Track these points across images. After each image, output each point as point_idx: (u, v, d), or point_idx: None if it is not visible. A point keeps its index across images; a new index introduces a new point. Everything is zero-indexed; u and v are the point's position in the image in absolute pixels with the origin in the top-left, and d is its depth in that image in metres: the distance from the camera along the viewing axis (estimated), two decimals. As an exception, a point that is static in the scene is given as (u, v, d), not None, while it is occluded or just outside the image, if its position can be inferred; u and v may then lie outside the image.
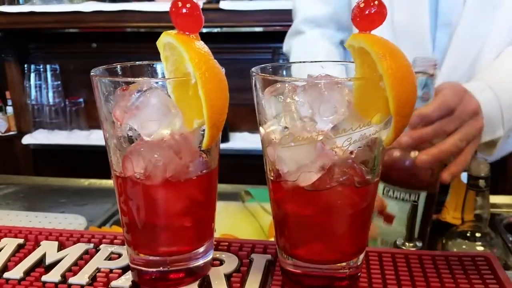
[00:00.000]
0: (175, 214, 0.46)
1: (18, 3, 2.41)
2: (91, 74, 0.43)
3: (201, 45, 0.42)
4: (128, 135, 0.44)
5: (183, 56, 0.41)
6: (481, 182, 0.81)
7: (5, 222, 1.04)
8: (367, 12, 0.40)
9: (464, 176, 0.89)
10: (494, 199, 1.07)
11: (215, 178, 0.49)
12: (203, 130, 0.43)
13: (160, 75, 0.49)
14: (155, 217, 0.46)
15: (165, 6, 2.09)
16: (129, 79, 0.42)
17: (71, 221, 1.04)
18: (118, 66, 0.48)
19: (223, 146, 2.38)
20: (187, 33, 0.42)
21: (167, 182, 0.44)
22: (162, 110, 0.42)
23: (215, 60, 0.42)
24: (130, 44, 2.39)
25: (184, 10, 0.41)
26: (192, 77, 0.41)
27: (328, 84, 0.41)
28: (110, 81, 0.43)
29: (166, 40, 0.43)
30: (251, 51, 2.45)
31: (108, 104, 0.43)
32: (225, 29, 2.34)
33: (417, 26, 1.00)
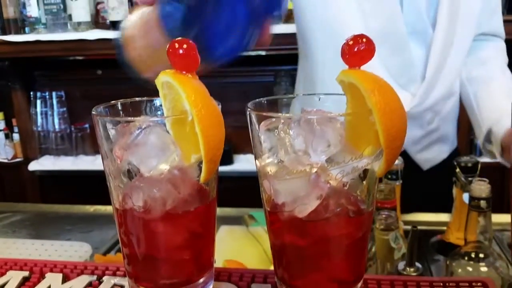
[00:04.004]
0: (174, 246, 0.47)
1: (24, 32, 2.46)
2: (92, 113, 0.45)
3: (197, 83, 0.43)
4: (127, 170, 0.45)
5: (180, 94, 0.43)
6: (483, 203, 0.82)
7: (12, 250, 1.05)
8: (356, 49, 0.42)
9: (466, 197, 0.90)
10: (498, 217, 1.07)
11: (213, 209, 0.50)
12: (201, 163, 0.45)
13: (160, 110, 0.50)
14: (154, 250, 0.47)
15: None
16: (129, 119, 0.44)
17: (76, 248, 1.05)
18: (119, 103, 0.49)
19: (227, 168, 2.39)
20: (184, 72, 0.44)
21: (165, 215, 0.45)
22: (160, 147, 0.44)
23: (212, 98, 0.43)
24: (134, 70, 2.42)
25: (181, 51, 0.43)
26: (189, 114, 0.42)
27: (320, 119, 0.42)
28: (111, 120, 0.44)
29: (164, 79, 0.45)
30: (254, 74, 2.48)
31: (109, 141, 0.45)
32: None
33: (393, 31, 1.02)
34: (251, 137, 0.46)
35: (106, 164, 0.46)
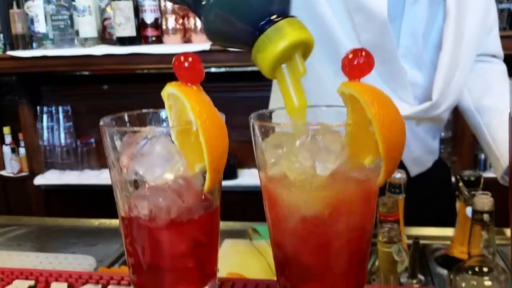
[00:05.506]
0: (178, 254, 0.48)
1: (32, 48, 2.49)
2: (100, 124, 0.46)
3: (202, 95, 0.45)
4: (134, 179, 0.46)
5: (185, 105, 0.44)
6: (486, 217, 0.82)
7: (16, 263, 1.06)
8: (355, 62, 0.43)
9: (469, 211, 0.90)
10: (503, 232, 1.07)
11: (217, 217, 0.51)
12: (205, 173, 0.46)
13: (165, 122, 0.52)
14: (159, 258, 0.48)
15: (172, 49, 2.15)
16: (135, 129, 0.45)
17: (80, 261, 1.05)
18: (126, 115, 0.50)
19: (231, 183, 2.40)
20: (189, 84, 0.45)
21: (170, 223, 0.46)
22: (166, 156, 0.45)
23: (216, 109, 0.45)
24: (140, 85, 2.45)
25: (186, 64, 0.44)
26: (194, 125, 0.43)
27: (322, 130, 0.43)
28: (118, 131, 0.45)
29: (169, 91, 0.46)
30: (259, 88, 2.50)
31: (116, 151, 0.46)
32: (234, 69, 2.39)
33: (382, 45, 1.03)
34: (254, 148, 0.47)
35: (112, 173, 0.47)
